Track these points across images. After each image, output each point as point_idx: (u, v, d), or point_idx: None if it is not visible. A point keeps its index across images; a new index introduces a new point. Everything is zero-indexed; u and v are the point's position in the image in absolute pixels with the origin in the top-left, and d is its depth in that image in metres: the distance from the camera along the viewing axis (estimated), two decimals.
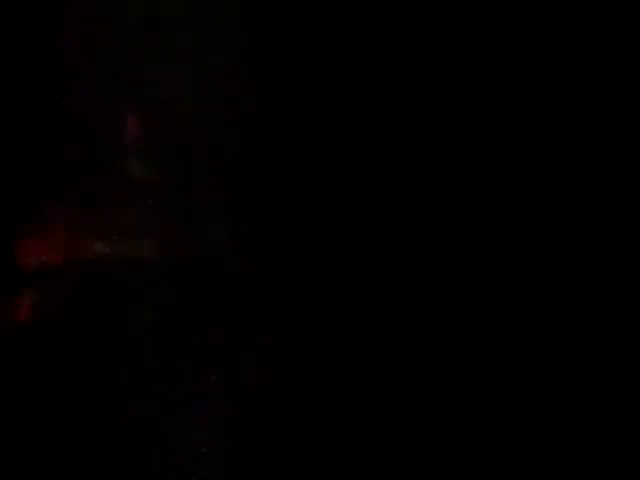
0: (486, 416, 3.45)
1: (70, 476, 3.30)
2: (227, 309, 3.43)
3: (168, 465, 3.37)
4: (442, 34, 3.63)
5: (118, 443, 3.28)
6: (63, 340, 3.34)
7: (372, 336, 3.52)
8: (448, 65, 3.62)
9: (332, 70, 3.60)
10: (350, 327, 3.51)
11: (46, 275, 3.39)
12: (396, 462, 3.43)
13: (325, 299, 3.55)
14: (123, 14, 3.53)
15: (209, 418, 3.40)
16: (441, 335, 3.53)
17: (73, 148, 3.49)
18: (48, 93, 3.50)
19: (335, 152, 3.59)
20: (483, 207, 3.60)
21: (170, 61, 3.55)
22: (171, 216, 3.50)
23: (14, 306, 3.34)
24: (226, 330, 3.38)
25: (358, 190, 3.60)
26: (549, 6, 3.54)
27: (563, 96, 3.56)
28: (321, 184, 3.60)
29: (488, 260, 3.57)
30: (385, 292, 3.56)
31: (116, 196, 3.47)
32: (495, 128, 3.64)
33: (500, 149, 3.62)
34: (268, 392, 3.45)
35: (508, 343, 3.49)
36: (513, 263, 3.56)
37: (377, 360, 3.50)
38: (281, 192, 3.58)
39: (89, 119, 3.51)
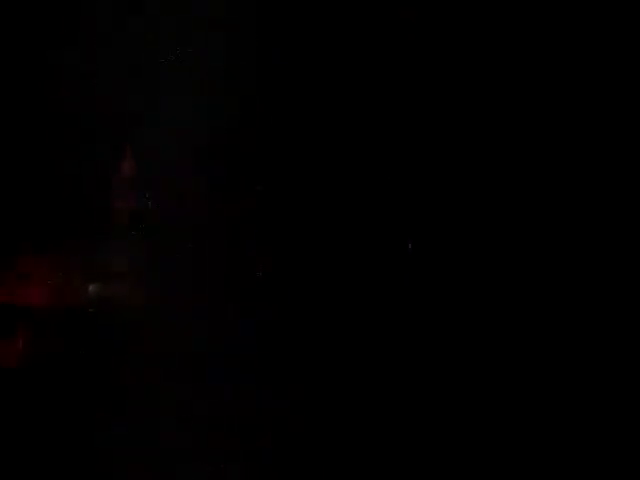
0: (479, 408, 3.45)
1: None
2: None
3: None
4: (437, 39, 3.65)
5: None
6: (53, 384, 3.40)
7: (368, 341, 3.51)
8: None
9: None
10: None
11: (36, 320, 3.44)
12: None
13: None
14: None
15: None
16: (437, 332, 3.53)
17: (61, 192, 3.52)
18: (35, 145, 3.52)
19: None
20: (482, 208, 3.61)
21: (164, 108, 3.58)
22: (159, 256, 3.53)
23: (4, 350, 3.38)
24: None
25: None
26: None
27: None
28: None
29: (488, 260, 3.57)
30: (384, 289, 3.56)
31: (103, 239, 3.52)
32: (494, 131, 3.65)
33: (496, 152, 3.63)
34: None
35: (507, 343, 3.49)
36: (512, 264, 3.57)
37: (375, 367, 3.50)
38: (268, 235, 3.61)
39: (78, 164, 3.54)
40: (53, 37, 3.60)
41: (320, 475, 3.43)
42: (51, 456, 3.35)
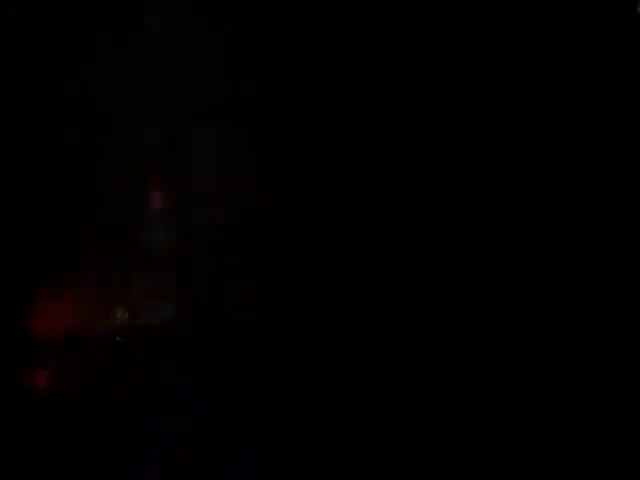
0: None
1: None
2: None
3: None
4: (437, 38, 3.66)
5: None
6: (82, 409, 3.41)
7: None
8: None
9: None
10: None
11: (66, 345, 3.45)
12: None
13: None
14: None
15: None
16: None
17: (89, 220, 3.53)
18: (61, 165, 3.54)
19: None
20: (481, 209, 3.62)
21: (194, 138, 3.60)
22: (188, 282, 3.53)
23: (35, 375, 3.40)
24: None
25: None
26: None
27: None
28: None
29: (485, 260, 3.58)
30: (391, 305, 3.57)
31: (133, 264, 3.52)
32: (493, 131, 3.66)
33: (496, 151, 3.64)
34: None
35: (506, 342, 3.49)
36: (510, 264, 3.58)
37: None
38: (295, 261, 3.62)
39: (111, 191, 3.55)
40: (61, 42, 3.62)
41: (320, 474, 3.44)
42: None
